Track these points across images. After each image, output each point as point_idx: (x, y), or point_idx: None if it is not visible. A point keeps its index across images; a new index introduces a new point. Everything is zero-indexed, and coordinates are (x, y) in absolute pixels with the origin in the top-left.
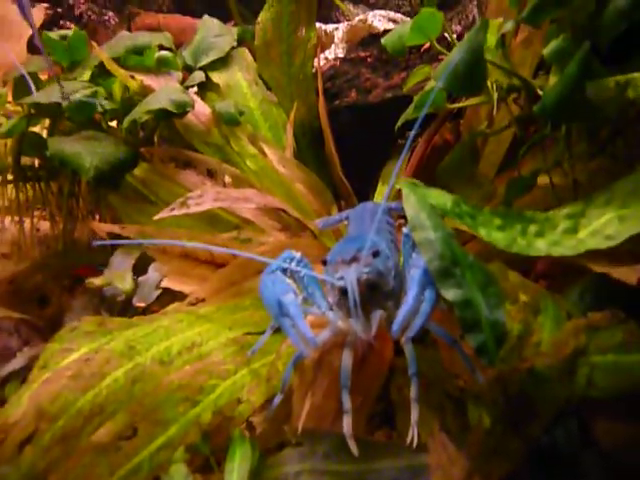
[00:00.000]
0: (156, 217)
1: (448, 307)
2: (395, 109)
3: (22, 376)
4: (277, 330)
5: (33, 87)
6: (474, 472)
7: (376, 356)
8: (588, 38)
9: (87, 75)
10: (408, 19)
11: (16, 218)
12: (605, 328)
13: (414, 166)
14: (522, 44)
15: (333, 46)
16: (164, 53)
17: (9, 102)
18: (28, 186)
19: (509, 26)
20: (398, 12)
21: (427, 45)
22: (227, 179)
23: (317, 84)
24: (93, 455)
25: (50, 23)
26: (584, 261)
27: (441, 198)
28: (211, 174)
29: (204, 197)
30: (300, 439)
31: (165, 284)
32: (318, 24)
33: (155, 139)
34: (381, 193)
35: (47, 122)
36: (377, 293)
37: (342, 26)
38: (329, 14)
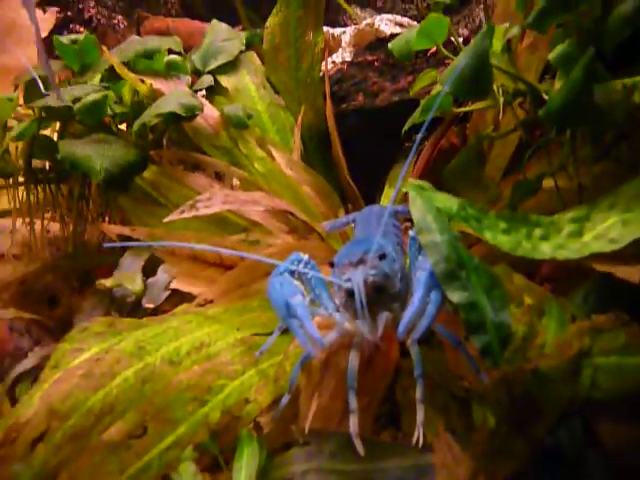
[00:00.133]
0: (166, 219)
1: (453, 309)
2: (402, 113)
3: (33, 376)
4: (285, 331)
5: (49, 89)
6: (479, 472)
7: (382, 357)
8: (593, 43)
9: (97, 79)
10: (415, 23)
11: (27, 220)
12: (608, 330)
13: (421, 169)
14: (528, 49)
15: (340, 50)
16: (173, 57)
17: (20, 105)
18: (39, 188)
19: (515, 31)
20: (405, 16)
21: (434, 49)
22: (235, 182)
23: (324, 88)
24: (104, 453)
25: (60, 27)
26: (588, 263)
27: (447, 202)
28: (219, 177)
29: (213, 200)
30: (307, 439)
31: (174, 285)
32: (325, 28)
33: (164, 142)
34: (388, 196)
35: (58, 125)
36: (383, 295)
37: (349, 30)
38: (336, 18)
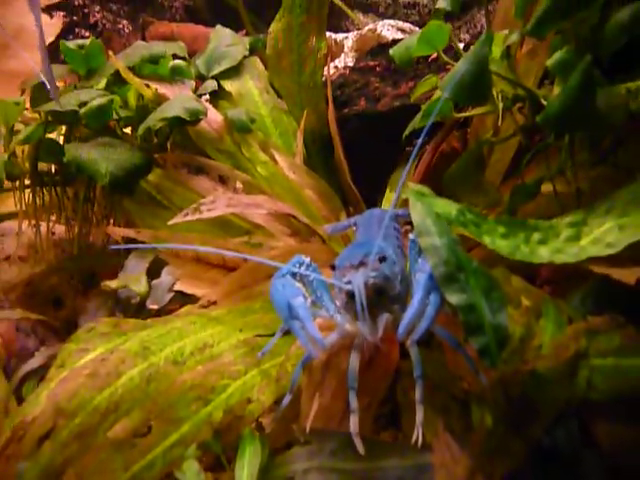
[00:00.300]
0: (170, 222)
1: (452, 311)
2: (403, 117)
3: (39, 375)
4: (287, 332)
5: (54, 93)
6: (476, 471)
7: (383, 358)
8: (591, 50)
9: (103, 83)
10: (417, 28)
11: (33, 222)
12: (605, 332)
13: (421, 173)
14: (527, 55)
15: (343, 55)
16: (178, 62)
17: (27, 109)
18: (45, 191)
19: (514, 38)
20: (407, 21)
21: (435, 55)
22: (238, 185)
23: (327, 92)
24: (109, 451)
25: (65, 31)
26: (586, 266)
27: (446, 207)
28: (223, 180)
29: (216, 203)
30: (308, 438)
31: (178, 287)
32: (328, 33)
33: (168, 146)
34: (389, 200)
35: (64, 129)
36: (384, 297)
37: (352, 35)
38: (339, 23)
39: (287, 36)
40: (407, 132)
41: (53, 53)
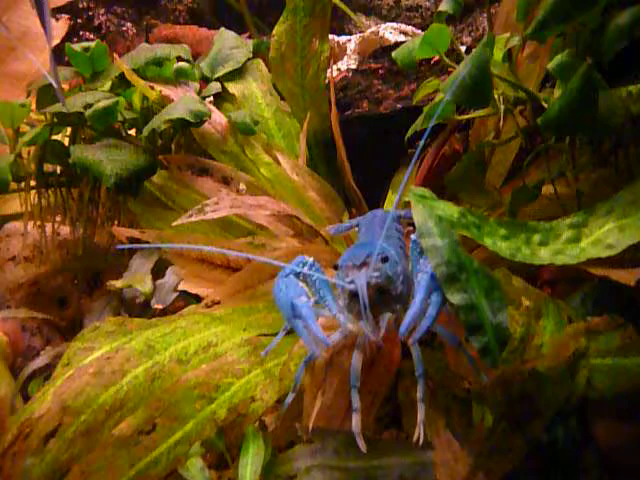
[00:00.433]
0: (174, 223)
1: (454, 311)
2: (405, 119)
3: (45, 374)
4: (290, 332)
5: (60, 95)
6: (477, 469)
7: (385, 357)
8: (591, 54)
9: (108, 85)
10: (419, 31)
11: (38, 223)
12: (604, 332)
13: (423, 175)
14: (528, 58)
15: (345, 57)
16: (182, 64)
17: (32, 111)
18: (50, 192)
19: (516, 41)
20: (409, 24)
21: (437, 58)
22: (242, 186)
23: (330, 95)
24: (114, 448)
25: (70, 34)
26: (586, 267)
27: (447, 209)
28: (226, 181)
29: (220, 204)
30: (311, 436)
31: (182, 287)
32: (331, 36)
33: (173, 147)
34: (391, 201)
35: (69, 130)
36: (386, 297)
37: (354, 38)
38: (342, 26)
39: (290, 39)
40: (409, 134)
41: (58, 55)
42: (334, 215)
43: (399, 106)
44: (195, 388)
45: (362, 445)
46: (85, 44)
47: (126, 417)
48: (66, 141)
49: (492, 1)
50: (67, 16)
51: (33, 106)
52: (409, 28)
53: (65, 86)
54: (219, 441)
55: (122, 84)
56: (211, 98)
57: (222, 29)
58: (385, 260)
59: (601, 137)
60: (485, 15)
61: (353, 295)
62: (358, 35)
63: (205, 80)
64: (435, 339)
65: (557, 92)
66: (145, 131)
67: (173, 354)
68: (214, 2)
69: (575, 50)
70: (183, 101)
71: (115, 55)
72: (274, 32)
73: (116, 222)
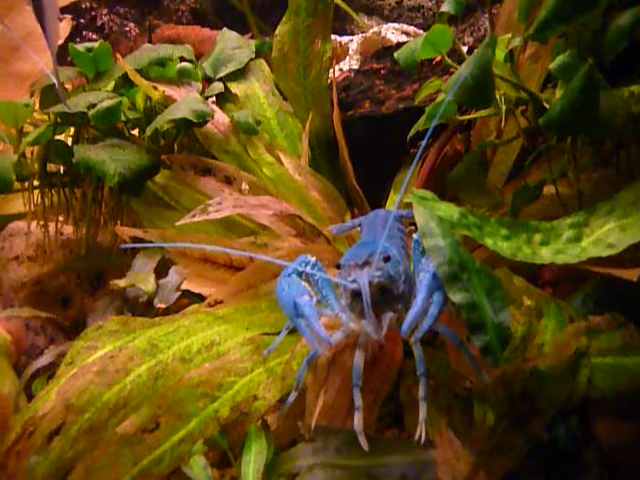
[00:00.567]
0: (177, 223)
1: (455, 310)
2: (407, 120)
3: (49, 373)
4: (292, 331)
5: (61, 93)
6: (478, 467)
7: (387, 356)
8: (593, 54)
9: (111, 85)
10: (421, 32)
11: (41, 222)
12: (606, 331)
13: (425, 175)
14: (530, 58)
15: (348, 58)
16: (185, 65)
17: (35, 111)
18: (53, 192)
19: (517, 41)
20: (411, 25)
21: (439, 58)
22: (244, 186)
23: (332, 95)
24: (118, 446)
25: (73, 34)
26: (587, 266)
27: (448, 210)
28: (229, 181)
29: (223, 204)
30: (313, 435)
31: (185, 286)
32: (333, 36)
33: (176, 147)
34: (393, 201)
35: (72, 130)
36: (388, 296)
37: (356, 38)
38: (344, 26)
39: (293, 39)
40: (411, 134)
41: (61, 56)
42: (336, 215)
43: (401, 106)
44: (198, 387)
45: (364, 443)
46: (88, 44)
47: (129, 415)
48: (69, 141)
49: (494, 2)
50: (70, 16)
51: (37, 106)
52: (411, 28)
53: (68, 86)
54: (222, 439)
55: (125, 84)
56: (214, 98)
57: (225, 29)
58: (387, 259)
59: (602, 137)
60: (487, 16)
61: (355, 294)
62: (360, 35)
63: (208, 80)
64: (437, 338)
65: (558, 92)
66: (148, 131)
67: (176, 353)
68: (217, 2)
69: (577, 51)
70: (186, 101)
71: (118, 55)
72: (277, 32)
73: (119, 222)
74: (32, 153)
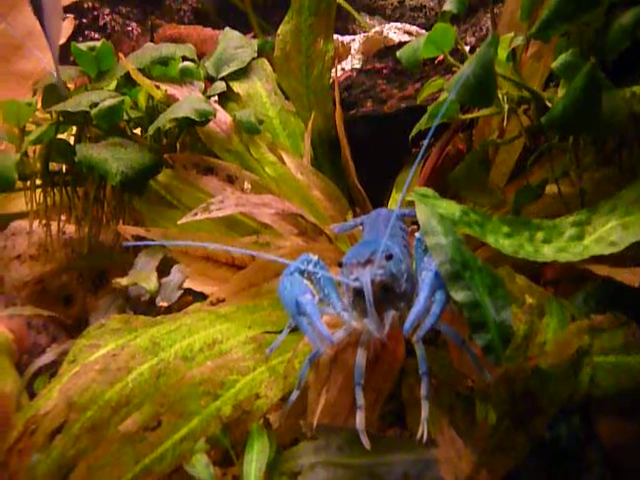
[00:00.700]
0: (180, 221)
1: (457, 308)
2: (409, 119)
3: (51, 371)
4: (294, 330)
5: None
6: (480, 466)
7: (389, 355)
8: (595, 53)
9: (113, 84)
10: (423, 31)
11: (43, 221)
12: (607, 330)
13: (427, 174)
14: (532, 57)
15: (350, 57)
16: (187, 64)
17: (38, 110)
18: (55, 191)
19: (520, 40)
20: (413, 24)
21: (441, 57)
22: (246, 185)
23: (334, 94)
24: (120, 444)
25: (75, 33)
26: (589, 266)
27: (450, 208)
28: (231, 180)
29: (225, 202)
30: (315, 433)
31: (187, 285)
32: (335, 36)
33: (178, 146)
34: (395, 200)
35: (74, 129)
36: (390, 294)
37: (359, 38)
38: (346, 26)
39: (295, 38)
40: (413, 133)
41: (64, 55)
42: (338, 214)
43: (403, 105)
44: (200, 385)
45: (366, 442)
46: (91, 43)
47: (131, 413)
48: (72, 140)
49: (496, 1)
50: (72, 16)
51: (39, 105)
52: (413, 28)
53: (71, 85)
54: (224, 438)
55: (127, 83)
56: (216, 97)
57: (227, 29)
58: (389, 258)
59: (605, 136)
60: (489, 16)
61: (357, 292)
62: (362, 35)
63: (210, 79)
64: (439, 337)
65: (561, 91)
66: (150, 130)
67: (178, 351)
68: (218, 2)
69: (579, 49)
70: (188, 100)
71: (120, 54)
72: (279, 31)
73: (121, 221)
74: (34, 152)
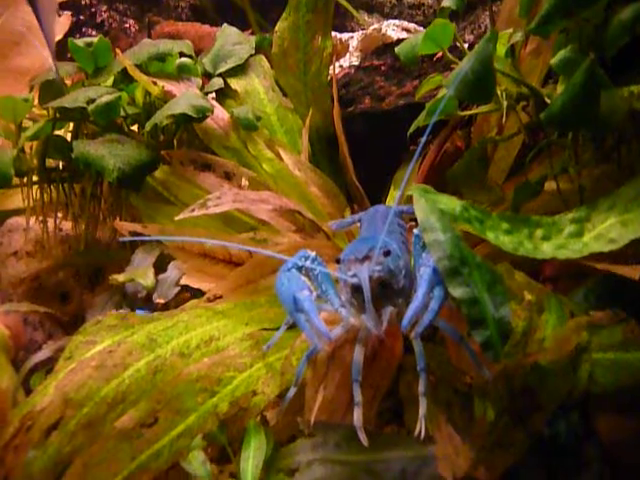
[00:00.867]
0: (177, 217)
1: (456, 305)
2: (407, 116)
3: (47, 367)
4: (291, 326)
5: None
6: (479, 463)
7: (387, 351)
8: (594, 49)
9: (110, 81)
10: (421, 28)
11: (40, 218)
12: (606, 326)
13: (425, 171)
14: (531, 54)
15: (348, 54)
16: (185, 60)
17: (35, 106)
18: (52, 187)
19: (518, 36)
20: (411, 21)
21: (439, 54)
22: (244, 182)
23: (332, 91)
24: (116, 441)
25: (72, 30)
26: (589, 262)
27: (450, 203)
28: (229, 177)
29: (223, 199)
30: (312, 430)
31: (184, 281)
32: (333, 33)
33: (175, 142)
34: (393, 197)
35: (71, 126)
36: (388, 290)
37: (357, 35)
38: (344, 23)
39: (293, 35)
40: (411, 130)
41: (61, 51)
42: (336, 211)
43: (401, 102)
44: (197, 381)
45: (364, 439)
46: (88, 39)
47: (128, 410)
48: (68, 136)
49: None
50: (69, 12)
51: (36, 101)
52: (411, 25)
53: (68, 81)
54: (221, 435)
55: (125, 79)
56: (213, 94)
57: (225, 25)
58: (387, 254)
59: (604, 133)
60: (487, 13)
61: (355, 289)
62: (360, 32)
63: (207, 76)
64: (437, 333)
65: (560, 88)
66: (147, 126)
67: (175, 348)
68: None
69: (578, 46)
70: (185, 96)
71: (117, 50)
72: (277, 28)
73: (118, 217)
74: (31, 148)
